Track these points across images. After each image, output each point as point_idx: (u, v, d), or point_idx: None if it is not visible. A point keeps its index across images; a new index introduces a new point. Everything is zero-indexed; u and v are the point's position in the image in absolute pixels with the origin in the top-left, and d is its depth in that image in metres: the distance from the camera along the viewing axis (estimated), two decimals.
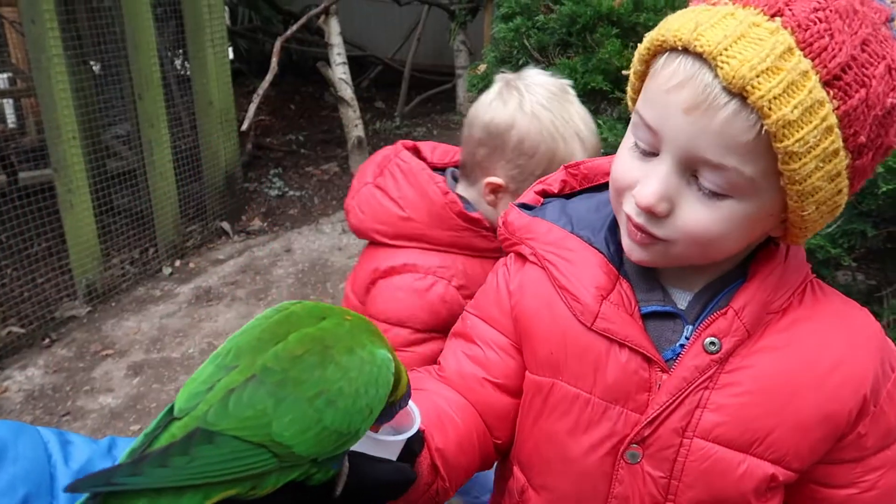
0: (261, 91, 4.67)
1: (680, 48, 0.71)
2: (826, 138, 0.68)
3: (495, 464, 1.03)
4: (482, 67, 3.36)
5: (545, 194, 1.00)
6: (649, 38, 0.76)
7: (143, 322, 3.73)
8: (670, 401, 0.81)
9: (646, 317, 0.86)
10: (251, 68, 7.88)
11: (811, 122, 0.66)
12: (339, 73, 5.13)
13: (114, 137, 4.69)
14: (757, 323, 0.81)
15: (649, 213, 0.76)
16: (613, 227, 0.90)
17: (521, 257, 0.96)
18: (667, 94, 0.72)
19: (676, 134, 0.72)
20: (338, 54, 5.13)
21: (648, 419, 0.82)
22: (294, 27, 5.02)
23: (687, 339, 0.83)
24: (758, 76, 0.65)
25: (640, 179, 0.77)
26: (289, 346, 0.60)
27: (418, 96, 7.37)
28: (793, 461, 0.81)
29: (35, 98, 3.83)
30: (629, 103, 0.86)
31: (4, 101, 5.60)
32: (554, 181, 1.01)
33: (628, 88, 0.85)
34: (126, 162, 4.46)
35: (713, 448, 0.81)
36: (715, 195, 0.73)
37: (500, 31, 3.30)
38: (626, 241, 0.84)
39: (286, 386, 0.57)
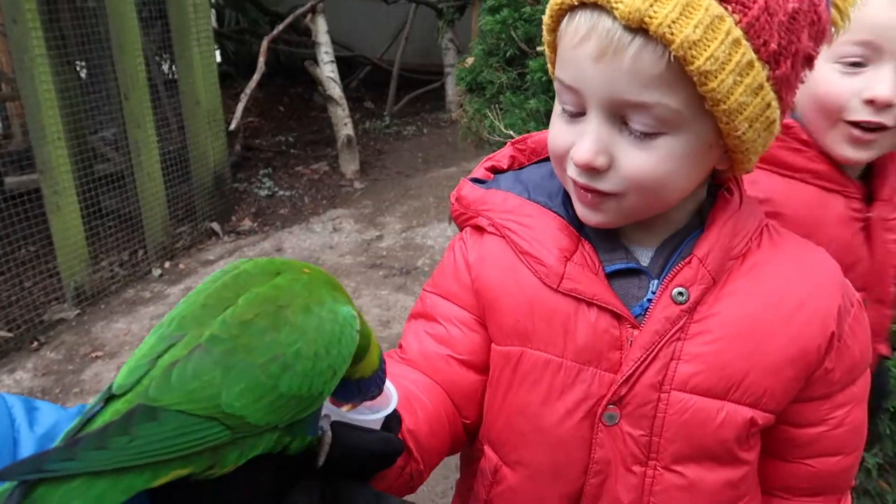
0: (248, 91, 4.65)
1: (577, 3, 0.73)
2: (735, 51, 0.69)
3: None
4: (470, 60, 3.35)
5: (494, 171, 1.00)
6: (549, 5, 0.78)
7: (132, 324, 3.69)
8: (644, 355, 0.81)
9: (610, 276, 0.85)
10: (239, 71, 7.84)
11: (716, 37, 0.68)
12: (327, 71, 5.11)
13: (101, 140, 4.66)
14: (720, 269, 0.82)
15: (590, 170, 0.77)
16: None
17: (478, 230, 0.94)
18: (575, 49, 0.74)
19: (594, 85, 0.73)
20: (325, 53, 5.11)
21: (624, 377, 0.81)
22: (281, 26, 5.00)
23: (653, 293, 0.83)
24: (652, 5, 0.67)
25: (574, 141, 0.78)
26: (238, 311, 0.55)
27: (407, 95, 7.36)
28: (769, 402, 0.82)
29: (20, 101, 3.79)
30: (552, 77, 0.88)
31: None
32: (502, 157, 1.01)
33: (548, 64, 0.87)
34: (113, 164, 4.42)
35: (691, 399, 0.81)
36: (648, 136, 0.74)
37: (486, 23, 3.29)
38: (579, 208, 0.84)
39: (235, 353, 0.53)
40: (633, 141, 0.75)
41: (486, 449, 0.95)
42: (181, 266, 4.30)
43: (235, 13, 7.62)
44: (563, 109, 0.81)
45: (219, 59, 8.31)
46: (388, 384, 0.76)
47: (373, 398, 0.72)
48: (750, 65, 0.70)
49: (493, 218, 0.92)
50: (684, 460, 0.83)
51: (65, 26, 3.90)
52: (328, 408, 0.71)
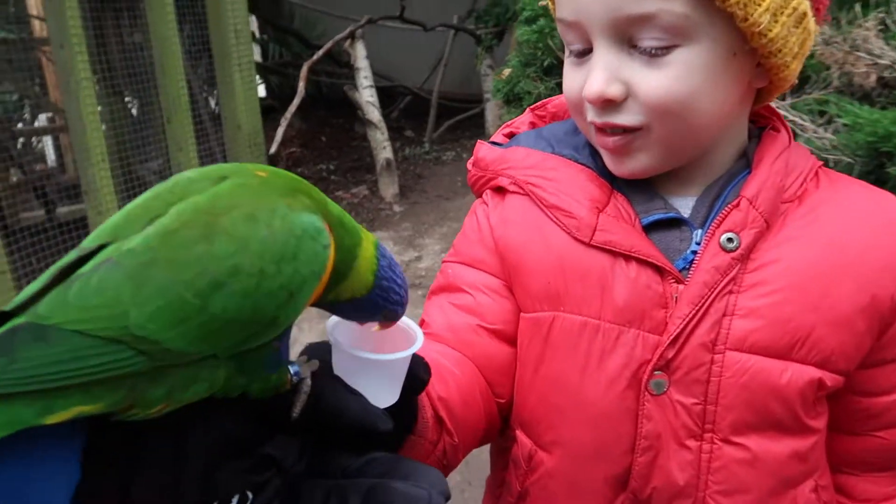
0: (288, 115, 4.71)
1: None
2: None
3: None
4: (507, 72, 3.31)
5: (513, 137, 0.92)
6: None
7: None
8: (693, 311, 0.72)
9: (647, 229, 0.77)
10: (283, 104, 7.99)
11: None
12: (367, 96, 5.15)
13: (147, 170, 4.76)
14: (773, 211, 0.74)
15: (605, 103, 0.71)
16: None
17: (499, 192, 0.87)
18: None
19: (592, 10, 0.69)
20: (364, 77, 5.16)
21: (671, 337, 0.72)
22: (321, 52, 5.08)
23: (698, 244, 0.75)
24: None
25: (585, 81, 0.73)
26: (164, 222, 0.46)
27: (447, 122, 7.38)
28: (839, 361, 0.72)
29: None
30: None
31: (45, 139, 5.76)
32: (521, 123, 0.94)
33: (552, 12, 0.82)
34: None
35: (750, 359, 0.71)
36: (660, 53, 0.68)
37: (523, 33, 3.26)
38: (607, 160, 0.78)
39: (153, 267, 0.44)
40: (645, 62, 0.69)
41: (519, 433, 0.84)
42: None
43: (279, 47, 7.82)
44: (571, 53, 0.75)
45: (263, 92, 8.56)
46: (409, 323, 0.66)
47: (386, 320, 0.63)
48: None
49: (514, 175, 0.84)
50: (745, 430, 0.73)
51: (112, 58, 4.03)
52: (339, 338, 0.61)
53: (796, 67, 0.73)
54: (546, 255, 0.79)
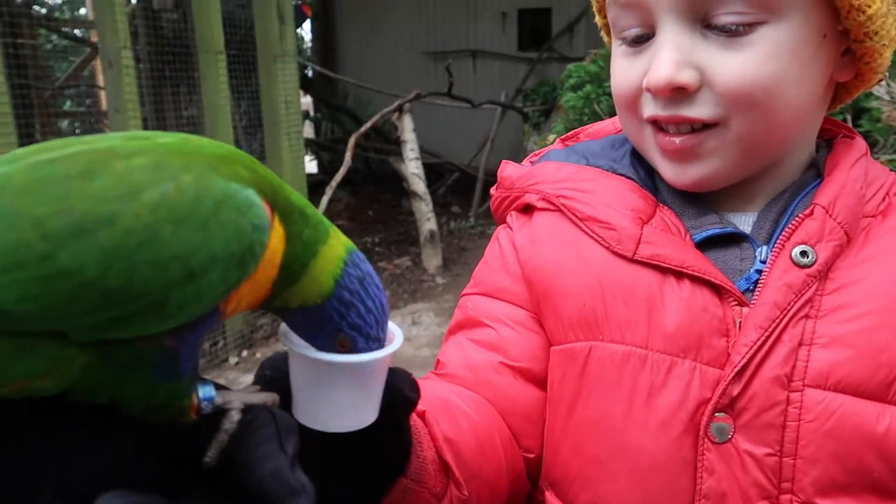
0: (334, 183, 4.75)
1: None
2: None
3: None
4: (551, 137, 3.25)
5: None
6: None
7: None
8: (762, 338, 0.59)
9: (700, 247, 0.65)
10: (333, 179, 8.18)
11: None
12: (412, 168, 5.18)
13: None
14: (853, 223, 0.62)
15: (676, 92, 0.61)
16: (638, 155, 0.73)
17: (526, 212, 0.75)
18: None
19: None
20: (411, 150, 5.20)
21: (735, 369, 0.59)
22: (368, 124, 5.17)
23: (763, 262, 0.63)
24: None
25: (646, 69, 0.63)
26: (48, 154, 0.36)
27: None
28: None
29: None
30: (604, 36, 0.76)
31: None
32: (551, 150, 0.83)
33: (596, 17, 0.75)
34: None
35: (836, 398, 0.57)
36: (741, 32, 0.59)
37: (569, 99, 3.23)
38: (667, 168, 0.67)
39: (1, 193, 0.34)
40: (723, 43, 0.59)
41: (548, 496, 0.68)
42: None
43: (332, 124, 8.04)
44: (625, 40, 0.66)
45: (315, 168, 8.77)
46: (389, 325, 0.51)
47: (342, 347, 0.47)
48: None
49: (543, 190, 0.72)
50: (834, 491, 0.57)
51: (168, 128, 4.15)
52: (296, 339, 0.48)
53: (889, 56, 0.63)
54: (582, 275, 0.67)
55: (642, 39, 0.64)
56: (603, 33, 0.76)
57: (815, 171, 0.68)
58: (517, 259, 0.73)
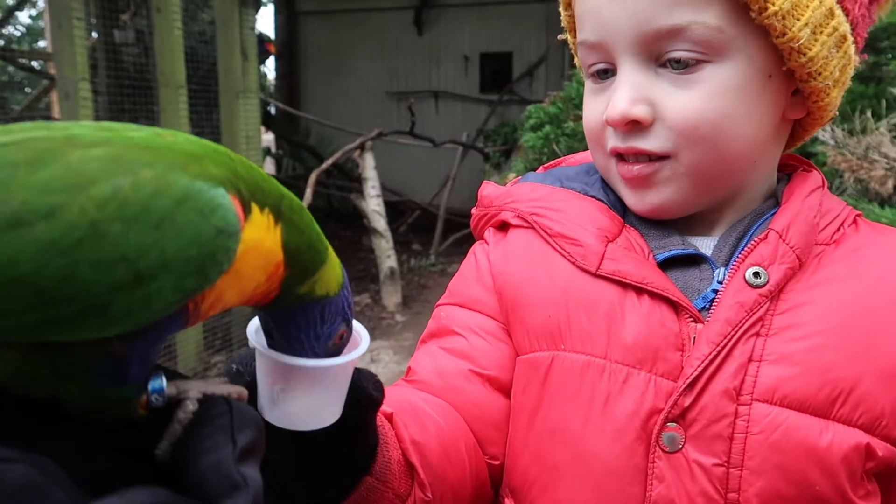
0: None
1: None
2: None
3: None
4: (511, 176, 3.30)
5: None
6: None
7: None
8: (714, 352, 0.61)
9: (663, 266, 0.68)
10: None
11: None
12: (373, 205, 5.19)
13: None
14: (806, 248, 0.65)
15: (631, 126, 0.65)
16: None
17: (502, 229, 0.79)
18: None
19: (617, 26, 0.65)
20: (372, 187, 5.22)
21: (687, 381, 0.61)
22: (329, 161, 5.18)
23: (720, 282, 0.66)
24: None
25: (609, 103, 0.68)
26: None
27: (453, 236, 7.41)
28: (892, 426, 0.60)
29: None
30: (583, 75, 0.78)
31: None
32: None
33: (575, 58, 0.79)
34: None
35: (782, 413, 0.60)
36: (689, 70, 0.63)
37: (529, 140, 3.29)
38: (628, 196, 0.71)
39: None
40: (673, 80, 0.63)
41: (508, 503, 0.71)
42: None
43: (293, 161, 8.03)
44: (593, 77, 0.71)
45: None
46: (356, 326, 0.54)
47: (340, 338, 0.50)
48: None
49: (518, 208, 0.76)
50: (778, 502, 0.59)
51: None
52: (265, 340, 0.48)
53: (837, 97, 0.67)
54: (548, 287, 0.70)
55: (605, 73, 0.69)
56: (583, 73, 0.80)
57: (775, 201, 0.72)
58: (490, 272, 0.76)
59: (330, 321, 0.48)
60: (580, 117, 2.96)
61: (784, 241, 0.65)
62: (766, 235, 0.66)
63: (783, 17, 0.60)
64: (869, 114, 2.26)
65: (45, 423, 0.36)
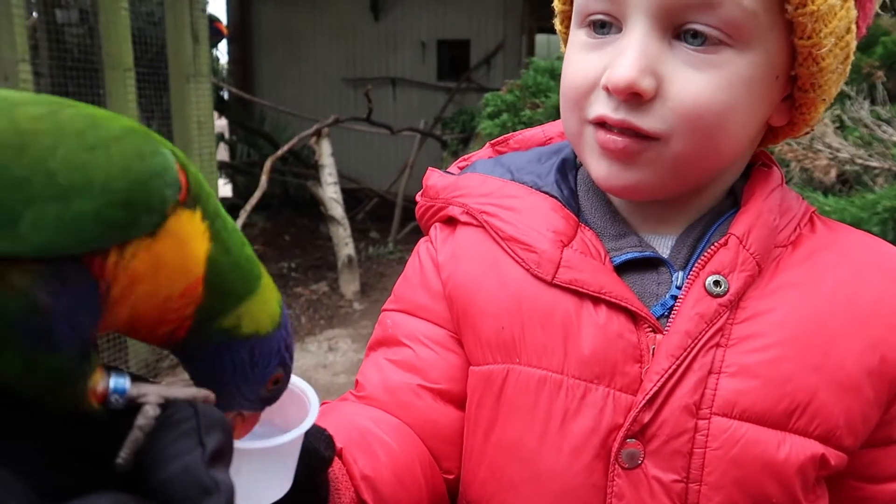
0: (248, 207, 4.64)
1: None
2: None
3: None
4: None
5: None
6: None
7: None
8: (673, 366, 0.60)
9: (619, 270, 0.66)
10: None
11: None
12: (330, 192, 5.12)
13: None
14: (766, 253, 0.64)
15: (631, 97, 0.59)
16: (563, 171, 0.73)
17: (449, 224, 0.75)
18: None
19: None
20: (329, 175, 5.16)
21: (647, 396, 0.60)
22: (285, 148, 5.09)
23: (679, 287, 0.65)
24: None
25: (606, 67, 0.61)
26: None
27: (411, 223, 7.38)
28: (844, 435, 0.61)
29: None
30: (558, 24, 0.74)
31: None
32: (479, 156, 0.83)
33: (555, 1, 0.72)
34: None
35: (741, 427, 0.60)
36: (709, 50, 0.58)
37: (485, 127, 3.30)
38: (601, 167, 0.64)
39: None
40: (688, 58, 0.58)
41: None
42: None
43: (247, 147, 7.86)
44: (583, 23, 0.63)
45: (230, 192, 8.53)
46: (300, 384, 0.51)
47: (274, 385, 0.46)
48: None
49: (467, 204, 0.72)
50: None
51: None
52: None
53: (822, 112, 0.66)
54: (501, 296, 0.67)
55: (605, 27, 0.62)
56: (558, 22, 0.74)
57: (733, 199, 0.70)
58: (438, 276, 0.73)
59: (262, 364, 0.44)
60: (537, 105, 2.96)
61: (744, 246, 0.64)
62: (727, 241, 0.64)
63: (816, 20, 0.57)
64: None
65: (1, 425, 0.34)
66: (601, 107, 0.62)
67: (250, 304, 0.42)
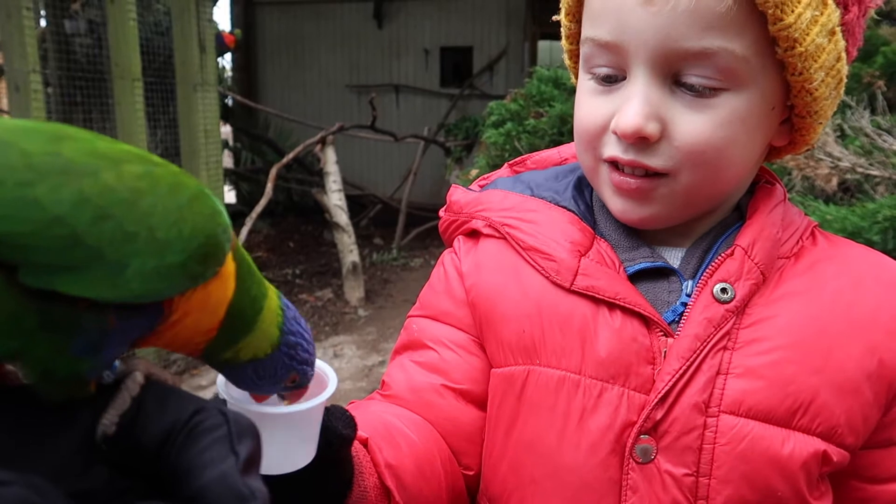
0: (254, 214, 4.67)
1: None
2: None
3: None
4: (474, 172, 3.33)
5: None
6: None
7: None
8: (684, 367, 0.64)
9: (633, 279, 0.71)
10: (252, 211, 8.00)
11: None
12: (335, 199, 5.16)
13: None
14: (769, 264, 0.68)
15: (639, 140, 0.65)
16: (580, 188, 0.78)
17: (472, 237, 0.80)
18: None
19: (641, 35, 0.62)
20: (333, 182, 5.19)
21: (659, 395, 0.64)
22: (290, 156, 5.12)
23: (688, 295, 0.69)
24: None
25: (614, 111, 0.67)
26: None
27: (415, 230, 7.42)
28: (845, 433, 0.65)
29: None
30: (567, 60, 0.78)
31: None
32: (498, 176, 0.88)
33: (563, 41, 0.77)
34: None
35: (748, 424, 0.64)
36: (706, 95, 0.63)
37: (490, 136, 3.32)
38: (618, 203, 0.71)
39: None
40: (688, 102, 0.63)
41: None
42: None
43: (252, 155, 7.91)
44: (594, 77, 0.69)
45: (234, 199, 8.56)
46: (323, 366, 0.56)
47: (294, 387, 0.51)
48: (824, 1, 0.61)
49: (489, 217, 0.77)
50: None
51: None
52: (234, 392, 0.50)
53: (820, 132, 0.71)
54: (522, 302, 0.72)
55: (611, 80, 0.67)
56: (566, 58, 0.79)
57: (739, 213, 0.75)
58: (462, 285, 0.77)
59: (268, 376, 0.49)
60: (541, 114, 3.00)
61: (749, 257, 0.68)
62: (733, 251, 0.69)
63: (805, 59, 0.62)
64: None
65: (31, 437, 0.36)
66: (612, 149, 0.68)
67: (249, 339, 0.47)
